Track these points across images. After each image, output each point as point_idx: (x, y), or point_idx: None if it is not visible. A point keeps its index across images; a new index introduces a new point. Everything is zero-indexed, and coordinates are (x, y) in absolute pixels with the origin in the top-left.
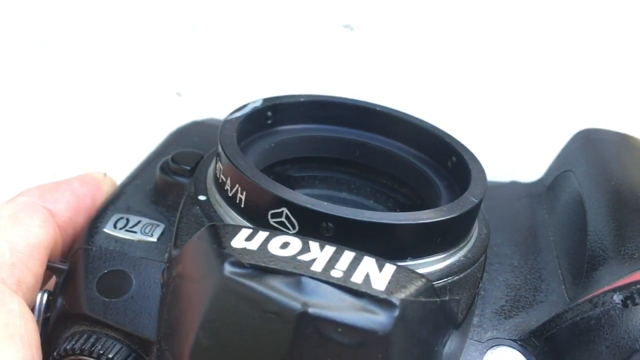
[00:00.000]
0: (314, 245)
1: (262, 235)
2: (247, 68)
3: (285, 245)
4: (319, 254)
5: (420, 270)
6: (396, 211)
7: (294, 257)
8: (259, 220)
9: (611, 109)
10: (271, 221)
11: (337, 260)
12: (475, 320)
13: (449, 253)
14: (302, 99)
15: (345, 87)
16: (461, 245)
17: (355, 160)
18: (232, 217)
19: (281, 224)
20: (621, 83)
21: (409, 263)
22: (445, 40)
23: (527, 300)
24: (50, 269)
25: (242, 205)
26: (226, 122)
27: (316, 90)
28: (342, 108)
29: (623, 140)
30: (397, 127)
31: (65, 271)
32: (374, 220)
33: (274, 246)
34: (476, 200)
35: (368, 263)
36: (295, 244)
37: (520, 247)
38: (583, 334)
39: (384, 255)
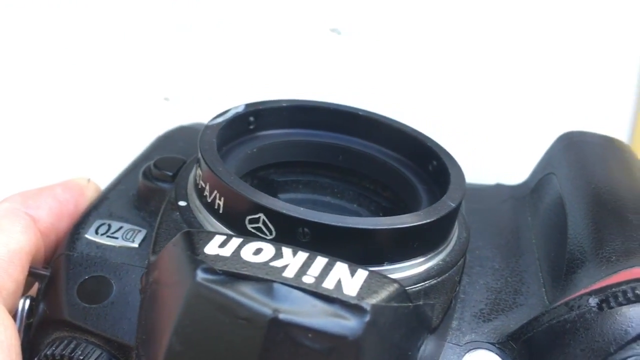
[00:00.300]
0: (287, 251)
1: (235, 241)
2: (235, 72)
3: (258, 251)
4: (291, 260)
5: (398, 275)
6: (379, 215)
7: (266, 264)
8: (237, 226)
9: (598, 111)
10: (249, 227)
11: (309, 266)
12: (454, 323)
13: (427, 257)
14: (284, 104)
15: (331, 91)
16: (439, 249)
17: (339, 165)
18: (211, 223)
19: (258, 229)
20: (608, 85)
21: (385, 268)
22: (431, 44)
23: (507, 303)
24: (32, 275)
25: (221, 211)
26: (207, 127)
27: (302, 95)
28: (324, 112)
29: (608, 142)
30: (379, 131)
31: (47, 277)
32: (350, 226)
33: (247, 252)
34: (453, 205)
35: (340, 269)
36: (269, 250)
37: (502, 250)
38: (559, 337)
39: (360, 260)
